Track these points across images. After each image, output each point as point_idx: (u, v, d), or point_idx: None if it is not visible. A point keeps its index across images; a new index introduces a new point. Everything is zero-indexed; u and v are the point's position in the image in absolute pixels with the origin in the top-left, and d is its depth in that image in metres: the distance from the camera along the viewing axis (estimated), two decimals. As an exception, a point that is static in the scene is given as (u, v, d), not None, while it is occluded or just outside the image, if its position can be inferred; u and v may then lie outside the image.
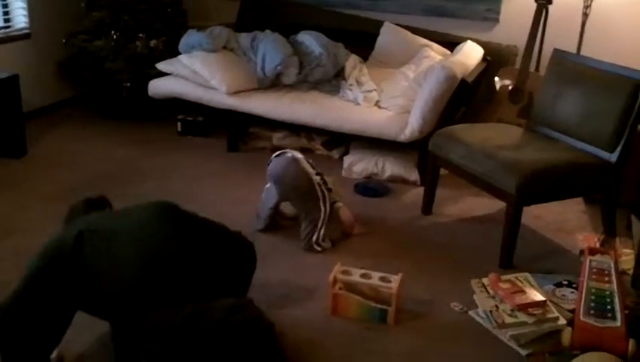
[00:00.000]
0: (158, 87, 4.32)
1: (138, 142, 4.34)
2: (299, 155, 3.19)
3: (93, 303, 2.08)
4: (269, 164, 3.20)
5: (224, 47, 4.37)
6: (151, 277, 2.04)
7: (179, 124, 4.50)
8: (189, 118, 4.48)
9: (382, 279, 2.60)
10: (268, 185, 3.21)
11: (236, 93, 4.13)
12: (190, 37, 4.33)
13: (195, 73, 4.18)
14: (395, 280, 2.60)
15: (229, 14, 4.89)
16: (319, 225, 3.07)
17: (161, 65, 4.31)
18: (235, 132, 4.28)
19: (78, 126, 4.62)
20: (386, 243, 3.19)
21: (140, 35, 4.48)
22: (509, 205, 2.97)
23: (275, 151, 3.29)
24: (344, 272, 2.64)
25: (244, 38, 4.40)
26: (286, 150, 3.26)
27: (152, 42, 4.49)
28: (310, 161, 3.21)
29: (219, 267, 2.22)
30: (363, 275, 2.63)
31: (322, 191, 3.11)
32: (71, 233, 2.07)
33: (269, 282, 2.74)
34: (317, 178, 3.12)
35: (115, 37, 4.46)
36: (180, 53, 4.34)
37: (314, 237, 3.07)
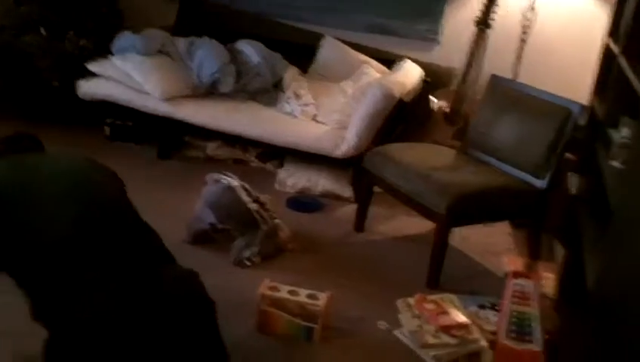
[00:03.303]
0: (87, 88, 4.15)
1: (64, 146, 4.16)
2: (235, 183, 3.12)
3: (18, 260, 1.86)
4: (204, 184, 3.13)
5: (159, 51, 4.26)
6: (88, 223, 1.88)
7: (106, 128, 4.34)
8: (118, 123, 4.33)
9: (309, 296, 2.57)
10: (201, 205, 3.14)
11: (170, 99, 4.03)
12: (124, 39, 4.20)
13: (128, 76, 4.06)
14: (323, 297, 2.57)
15: (166, 17, 4.78)
16: (256, 243, 3.03)
17: (92, 66, 4.15)
18: (167, 139, 4.18)
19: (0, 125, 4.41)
20: (317, 259, 3.16)
21: (70, 32, 4.32)
22: (438, 225, 2.99)
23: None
24: (272, 288, 2.59)
25: (181, 43, 4.30)
26: (221, 176, 3.17)
27: (82, 41, 4.33)
28: (246, 186, 3.16)
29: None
30: (291, 292, 2.59)
31: (261, 216, 3.08)
32: None
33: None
34: (254, 206, 3.08)
35: (43, 34, 4.29)
36: (112, 55, 4.21)
37: (246, 253, 3.02)
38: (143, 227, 2.11)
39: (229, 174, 3.20)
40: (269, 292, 2.56)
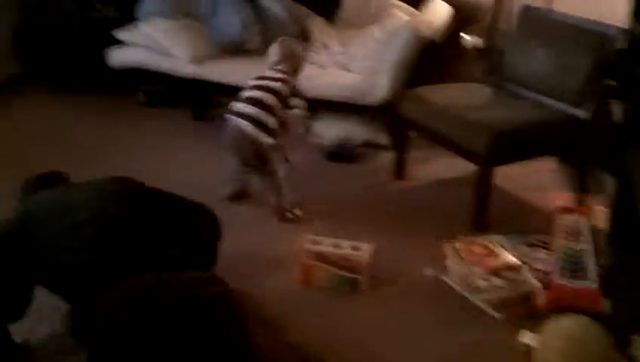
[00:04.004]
0: (117, 56, 4.15)
1: (100, 116, 4.18)
2: (242, 122, 2.95)
3: (50, 278, 2.06)
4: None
5: (186, 14, 4.20)
6: (106, 249, 2.01)
7: (141, 94, 4.35)
8: (152, 88, 4.33)
9: (353, 248, 2.54)
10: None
11: (199, 60, 3.99)
12: (149, 3, 4.15)
13: (155, 41, 4.02)
14: (367, 248, 2.54)
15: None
16: (282, 189, 3.00)
17: (120, 34, 4.14)
18: (199, 101, 4.16)
19: (34, 101, 4.43)
20: (358, 210, 3.12)
21: (96, 3, 4.30)
22: (479, 166, 2.91)
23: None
24: (314, 242, 2.57)
25: (205, 4, 4.23)
26: (230, 115, 3.03)
27: (109, 10, 4.30)
28: (259, 118, 2.96)
29: (179, 239, 2.17)
30: (333, 245, 2.56)
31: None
32: (16, 215, 2.06)
33: (237, 253, 2.63)
34: (268, 140, 2.96)
35: (69, 5, 4.27)
36: (138, 21, 4.17)
37: (283, 203, 3.00)
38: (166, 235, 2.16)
39: (239, 105, 3.03)
40: (311, 246, 2.54)
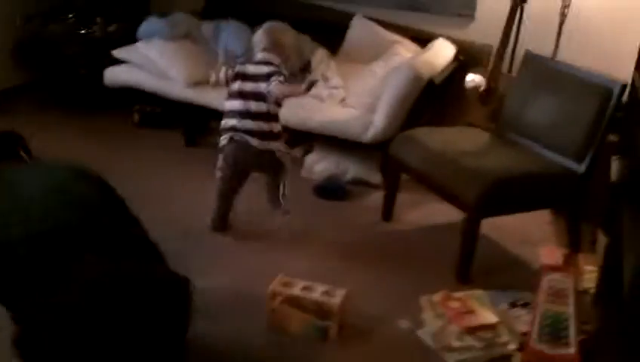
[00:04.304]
0: (114, 75, 4.11)
1: (93, 133, 4.12)
2: (248, 139, 2.91)
3: None
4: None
5: (185, 36, 4.16)
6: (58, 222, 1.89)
7: (135, 115, 4.29)
8: (147, 109, 4.27)
9: (325, 293, 2.43)
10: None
11: (195, 84, 3.93)
12: (150, 24, 4.12)
13: (152, 62, 3.98)
14: (340, 293, 2.43)
15: (195, 1, 4.67)
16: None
17: (118, 53, 4.09)
18: (193, 126, 4.09)
19: (31, 114, 4.38)
20: (340, 250, 3.01)
21: (98, 19, 4.26)
22: (467, 215, 2.80)
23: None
24: (285, 284, 2.46)
25: (207, 28, 4.20)
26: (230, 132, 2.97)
27: (111, 27, 4.27)
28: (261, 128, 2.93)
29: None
30: (305, 288, 2.45)
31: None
32: None
33: (214, 290, 2.55)
34: (279, 146, 2.97)
35: (71, 20, 4.24)
36: (138, 41, 4.13)
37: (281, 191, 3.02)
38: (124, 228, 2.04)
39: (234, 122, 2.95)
40: (281, 289, 2.43)
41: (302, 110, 3.75)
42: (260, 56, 2.98)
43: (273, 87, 2.84)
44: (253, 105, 2.91)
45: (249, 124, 2.91)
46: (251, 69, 2.95)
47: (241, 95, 2.93)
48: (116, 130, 4.22)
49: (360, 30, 4.25)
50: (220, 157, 3.00)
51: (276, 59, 2.95)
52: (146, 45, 4.03)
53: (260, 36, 3.03)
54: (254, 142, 2.90)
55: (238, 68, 2.97)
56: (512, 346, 2.28)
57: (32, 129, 4.07)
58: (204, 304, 2.33)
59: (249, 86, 2.92)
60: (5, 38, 4.50)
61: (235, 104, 2.95)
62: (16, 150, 2.36)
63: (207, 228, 3.05)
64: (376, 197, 3.49)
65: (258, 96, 2.90)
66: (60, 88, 4.47)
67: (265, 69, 2.90)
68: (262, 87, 2.88)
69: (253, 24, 4.21)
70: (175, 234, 2.85)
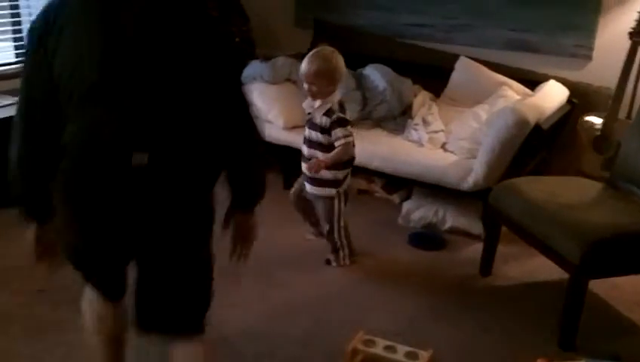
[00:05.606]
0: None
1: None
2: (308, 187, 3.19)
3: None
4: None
5: (287, 80, 4.19)
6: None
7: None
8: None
9: (408, 355, 2.27)
10: None
11: (293, 127, 3.92)
12: (252, 67, 4.18)
13: (252, 104, 4.00)
14: (424, 356, 2.26)
15: (301, 44, 4.71)
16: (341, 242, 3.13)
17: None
18: (290, 169, 4.07)
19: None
20: (430, 304, 2.84)
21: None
22: (571, 276, 2.54)
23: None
24: (366, 342, 2.33)
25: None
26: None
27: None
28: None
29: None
30: (387, 348, 2.31)
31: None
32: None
33: (282, 337, 2.49)
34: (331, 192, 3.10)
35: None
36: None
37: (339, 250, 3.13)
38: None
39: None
40: (362, 347, 2.30)
41: (399, 155, 3.63)
42: (317, 103, 3.00)
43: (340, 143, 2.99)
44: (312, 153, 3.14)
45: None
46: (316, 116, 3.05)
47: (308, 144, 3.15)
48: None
49: (465, 72, 4.09)
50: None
51: (323, 92, 2.96)
52: (246, 88, 4.07)
53: (304, 64, 2.96)
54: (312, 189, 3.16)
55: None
56: None
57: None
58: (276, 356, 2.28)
59: (313, 134, 3.11)
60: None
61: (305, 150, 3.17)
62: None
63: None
64: (476, 249, 3.29)
65: (317, 144, 3.10)
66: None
67: (324, 120, 2.99)
68: (320, 137, 3.05)
69: (355, 67, 4.20)
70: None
